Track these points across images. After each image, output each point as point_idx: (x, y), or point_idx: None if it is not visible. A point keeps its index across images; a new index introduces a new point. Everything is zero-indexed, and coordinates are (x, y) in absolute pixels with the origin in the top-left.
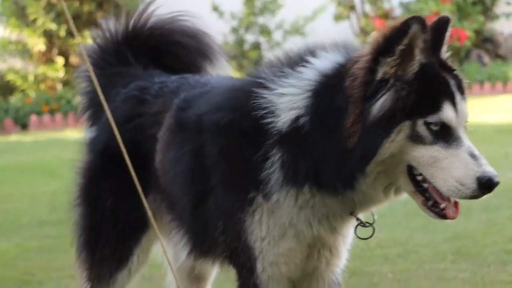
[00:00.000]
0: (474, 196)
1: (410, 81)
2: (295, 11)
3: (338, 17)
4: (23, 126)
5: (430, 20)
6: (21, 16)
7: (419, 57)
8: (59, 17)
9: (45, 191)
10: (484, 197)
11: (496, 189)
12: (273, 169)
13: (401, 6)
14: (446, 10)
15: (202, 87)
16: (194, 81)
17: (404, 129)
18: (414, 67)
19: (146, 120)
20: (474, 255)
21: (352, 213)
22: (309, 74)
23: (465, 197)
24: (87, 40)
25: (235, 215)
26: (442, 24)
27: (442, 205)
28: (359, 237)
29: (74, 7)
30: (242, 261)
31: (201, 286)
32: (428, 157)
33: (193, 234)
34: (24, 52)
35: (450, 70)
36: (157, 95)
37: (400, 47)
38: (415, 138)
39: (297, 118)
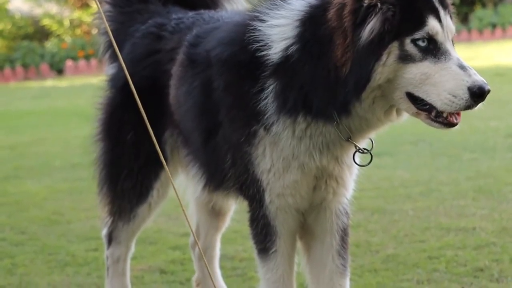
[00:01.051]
0: (467, 107)
1: (395, 2)
2: None
3: None
4: (59, 71)
5: None
6: None
7: None
8: None
9: (78, 135)
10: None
11: None
12: (268, 100)
13: None
14: None
15: (214, 23)
16: (208, 17)
17: (393, 50)
18: None
19: (163, 56)
20: (495, 192)
21: (349, 139)
22: (298, 5)
23: (460, 109)
24: None
25: (242, 148)
26: None
27: (445, 113)
28: (358, 164)
29: None
30: (251, 193)
31: (220, 219)
32: (420, 74)
33: (206, 168)
34: None
35: None
36: (174, 31)
37: None
38: (405, 58)
39: (287, 47)
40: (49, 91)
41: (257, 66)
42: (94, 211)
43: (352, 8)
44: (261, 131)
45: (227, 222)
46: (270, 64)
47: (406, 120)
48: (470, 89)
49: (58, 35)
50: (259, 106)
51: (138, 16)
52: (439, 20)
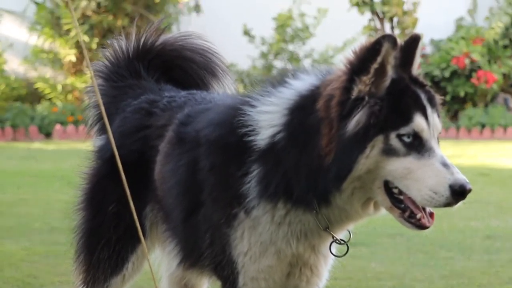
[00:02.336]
0: (448, 204)
1: (382, 97)
2: (325, 41)
3: None
4: (47, 134)
5: (459, 60)
6: (55, 26)
7: (390, 73)
8: (92, 30)
9: (59, 198)
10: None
11: (502, 232)
12: (251, 184)
13: (431, 43)
14: (477, 52)
15: (206, 104)
16: (201, 98)
17: (377, 143)
18: (386, 83)
19: (152, 132)
20: None
21: (327, 229)
22: (288, 93)
23: (440, 205)
24: None
25: (221, 229)
26: (413, 42)
27: (418, 215)
28: (333, 255)
29: (107, 20)
30: (226, 275)
31: None
32: (402, 168)
33: (183, 245)
34: (55, 61)
35: (421, 85)
36: (165, 109)
37: (375, 65)
38: (389, 151)
39: (274, 134)
40: (36, 153)
41: (244, 150)
42: (68, 276)
43: (339, 99)
44: (242, 214)
45: None
46: (257, 149)
47: (385, 212)
48: (451, 187)
49: (50, 99)
50: (241, 189)
51: (130, 91)
52: (426, 118)
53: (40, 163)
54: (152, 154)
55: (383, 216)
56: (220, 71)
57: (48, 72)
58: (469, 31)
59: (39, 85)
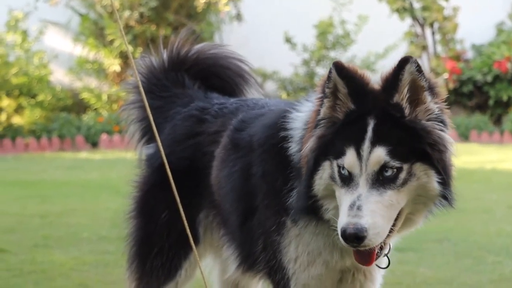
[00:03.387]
0: (348, 246)
1: (337, 123)
2: (367, 47)
3: None
4: (93, 144)
5: (501, 65)
6: (99, 37)
7: (346, 101)
8: (135, 40)
9: (107, 207)
10: None
11: None
12: (293, 199)
13: (473, 48)
14: None
15: (259, 109)
16: (252, 103)
17: (326, 168)
18: (343, 110)
19: (205, 139)
20: None
21: None
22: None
23: (345, 245)
24: None
25: (272, 235)
26: (398, 65)
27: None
28: (378, 266)
29: (150, 30)
30: (278, 279)
31: None
32: (338, 199)
33: (241, 249)
34: (100, 71)
35: (388, 117)
36: (217, 115)
37: (328, 90)
38: (333, 178)
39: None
40: (83, 163)
41: (287, 160)
42: (119, 285)
43: (313, 120)
44: (289, 223)
45: None
46: (294, 163)
47: (432, 218)
48: (341, 230)
49: (96, 109)
50: (287, 201)
51: (178, 100)
52: (358, 153)
53: (87, 172)
54: (205, 160)
55: (428, 222)
56: (249, 77)
57: (93, 82)
58: (509, 35)
59: (85, 95)
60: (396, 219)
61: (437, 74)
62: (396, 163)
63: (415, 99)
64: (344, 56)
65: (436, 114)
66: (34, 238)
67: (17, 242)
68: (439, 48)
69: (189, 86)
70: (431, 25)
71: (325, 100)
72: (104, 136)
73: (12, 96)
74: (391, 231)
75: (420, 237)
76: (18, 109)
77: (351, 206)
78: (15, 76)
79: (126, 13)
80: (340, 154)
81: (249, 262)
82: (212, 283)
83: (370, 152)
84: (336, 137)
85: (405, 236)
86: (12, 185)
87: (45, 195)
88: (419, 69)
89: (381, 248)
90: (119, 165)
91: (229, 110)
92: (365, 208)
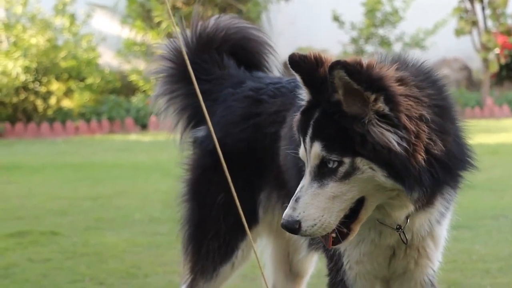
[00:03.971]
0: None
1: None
2: (416, 24)
3: (459, 32)
4: (143, 126)
5: None
6: (146, 19)
7: (306, 92)
8: (182, 21)
9: (158, 189)
10: None
11: None
12: None
13: None
14: None
15: None
16: None
17: None
18: (305, 100)
19: (264, 119)
20: None
21: (378, 220)
22: None
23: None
24: None
25: None
26: (328, 73)
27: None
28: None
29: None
30: (331, 255)
31: (296, 282)
32: None
33: None
34: (148, 53)
35: (329, 112)
36: (275, 95)
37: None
38: None
39: None
40: (132, 145)
41: None
42: (172, 266)
43: None
44: None
45: (303, 286)
46: None
47: (487, 195)
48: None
49: (144, 91)
50: None
51: (226, 81)
52: (305, 146)
53: (137, 154)
54: (266, 141)
55: (484, 199)
56: (270, 48)
57: (141, 64)
58: None
59: (133, 77)
60: (360, 208)
61: (488, 49)
62: (334, 157)
63: (355, 99)
64: (393, 33)
65: (382, 113)
66: (86, 221)
67: (69, 225)
68: (490, 23)
69: (227, 66)
70: (481, 0)
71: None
72: (153, 118)
73: (62, 80)
74: (355, 218)
75: (475, 214)
76: (68, 93)
77: (294, 197)
78: (64, 59)
79: None
80: (299, 144)
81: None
82: (265, 262)
83: (311, 146)
84: (298, 126)
85: (460, 214)
86: (63, 168)
87: (96, 178)
88: (350, 73)
89: (341, 233)
90: (169, 147)
91: (288, 89)
92: (301, 200)
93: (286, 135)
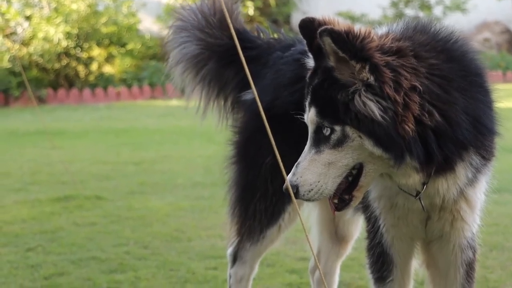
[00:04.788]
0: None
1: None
2: None
3: None
4: (184, 91)
5: None
6: None
7: (312, 58)
8: None
9: (201, 154)
10: None
11: None
12: None
13: None
14: None
15: None
16: None
17: None
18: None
19: None
20: None
21: (399, 187)
22: None
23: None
24: (248, 9)
25: None
26: (319, 35)
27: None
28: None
29: None
30: (368, 216)
31: (342, 246)
32: None
33: None
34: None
35: (325, 78)
36: None
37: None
38: None
39: None
40: (174, 111)
41: None
42: (215, 230)
43: None
44: None
45: (348, 249)
46: None
47: None
48: None
49: None
50: None
51: (274, 45)
52: (308, 110)
53: (178, 120)
54: None
55: None
56: None
57: None
58: None
59: None
60: (359, 175)
61: None
62: (326, 124)
63: (347, 67)
64: None
65: (367, 83)
66: (129, 185)
67: (113, 189)
68: None
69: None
70: None
71: None
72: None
73: (103, 46)
74: (355, 185)
75: None
76: (109, 58)
77: (296, 163)
78: (105, 25)
79: None
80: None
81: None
82: (311, 226)
83: (309, 111)
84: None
85: (501, 177)
86: (105, 134)
87: (139, 143)
88: (335, 41)
89: (343, 201)
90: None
91: None
92: (300, 165)
93: None
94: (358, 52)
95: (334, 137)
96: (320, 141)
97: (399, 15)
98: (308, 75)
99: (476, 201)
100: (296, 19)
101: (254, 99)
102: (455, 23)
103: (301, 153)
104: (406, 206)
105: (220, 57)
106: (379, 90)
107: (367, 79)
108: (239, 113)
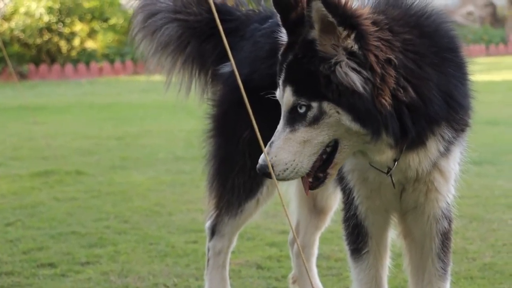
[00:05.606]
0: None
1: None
2: None
3: None
4: None
5: None
6: None
7: (285, 33)
8: None
9: (182, 129)
10: None
11: None
12: None
13: None
14: None
15: None
16: None
17: None
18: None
19: None
20: None
21: (370, 164)
22: None
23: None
24: None
25: None
26: (305, 6)
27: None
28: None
29: None
30: (343, 187)
31: (321, 218)
32: None
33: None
34: None
35: (301, 54)
36: None
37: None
38: None
39: None
40: (157, 86)
41: None
42: (195, 204)
43: None
44: None
45: (327, 222)
46: None
47: (510, 130)
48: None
49: None
50: None
51: (252, 17)
52: (279, 88)
53: (161, 95)
54: None
55: (508, 134)
56: None
57: None
58: None
59: None
60: (334, 152)
61: None
62: (302, 102)
63: (329, 37)
64: None
65: (351, 51)
66: (111, 160)
67: (95, 164)
68: None
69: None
70: None
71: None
72: None
73: (85, 21)
74: (330, 163)
75: (499, 150)
76: (91, 34)
77: (270, 142)
78: (87, 0)
79: None
80: (277, 87)
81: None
82: (290, 199)
83: (283, 91)
84: (277, 68)
85: (483, 150)
86: (88, 109)
87: (121, 118)
88: (327, 5)
89: (318, 178)
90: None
91: None
92: (274, 145)
93: None
94: (348, 19)
95: (311, 114)
96: (294, 119)
97: None
98: (281, 51)
99: (450, 171)
100: None
101: (232, 72)
102: None
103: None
104: (378, 180)
105: (201, 33)
106: (363, 58)
107: (351, 47)
108: (217, 86)
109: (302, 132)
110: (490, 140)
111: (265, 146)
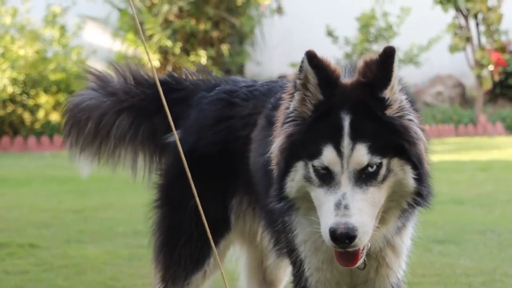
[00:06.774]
0: (334, 246)
1: (305, 120)
2: (409, 40)
3: (453, 48)
4: None
5: None
6: (138, 32)
7: (316, 93)
8: (175, 35)
9: (144, 203)
10: None
11: None
12: None
13: None
14: None
15: None
16: (284, 84)
17: (299, 169)
18: (312, 103)
19: (236, 122)
20: None
21: None
22: None
23: (330, 247)
24: (201, 58)
25: (285, 217)
26: (387, 57)
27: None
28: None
29: (190, 25)
30: (293, 260)
31: None
32: (316, 199)
33: (271, 232)
34: (139, 67)
35: (366, 111)
36: (248, 98)
37: (299, 81)
38: (308, 179)
39: None
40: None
41: None
42: (151, 279)
43: (281, 116)
44: None
45: None
46: None
47: (476, 210)
48: (330, 231)
49: None
50: None
51: (200, 86)
52: (338, 150)
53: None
54: (239, 144)
55: (473, 213)
56: None
57: None
58: None
59: None
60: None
61: (482, 66)
62: (377, 159)
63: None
64: None
65: (407, 107)
66: (67, 233)
67: (50, 237)
68: (484, 40)
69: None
70: (475, 16)
71: (296, 93)
72: None
73: (50, 93)
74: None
75: (463, 229)
76: (56, 106)
77: (338, 206)
78: (53, 72)
79: (165, 8)
80: (317, 153)
81: (276, 244)
82: (240, 271)
83: (352, 149)
84: (308, 135)
85: (447, 228)
86: (49, 181)
87: (83, 190)
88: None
89: (363, 248)
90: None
91: (261, 92)
92: (352, 206)
93: (256, 137)
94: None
95: (382, 172)
96: (364, 179)
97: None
98: (321, 112)
99: (402, 247)
100: (249, 69)
101: (175, 141)
102: (408, 76)
103: (226, 194)
104: (330, 252)
105: (148, 110)
106: (411, 115)
107: (404, 104)
108: (164, 156)
109: (373, 193)
110: (455, 219)
111: (210, 215)
